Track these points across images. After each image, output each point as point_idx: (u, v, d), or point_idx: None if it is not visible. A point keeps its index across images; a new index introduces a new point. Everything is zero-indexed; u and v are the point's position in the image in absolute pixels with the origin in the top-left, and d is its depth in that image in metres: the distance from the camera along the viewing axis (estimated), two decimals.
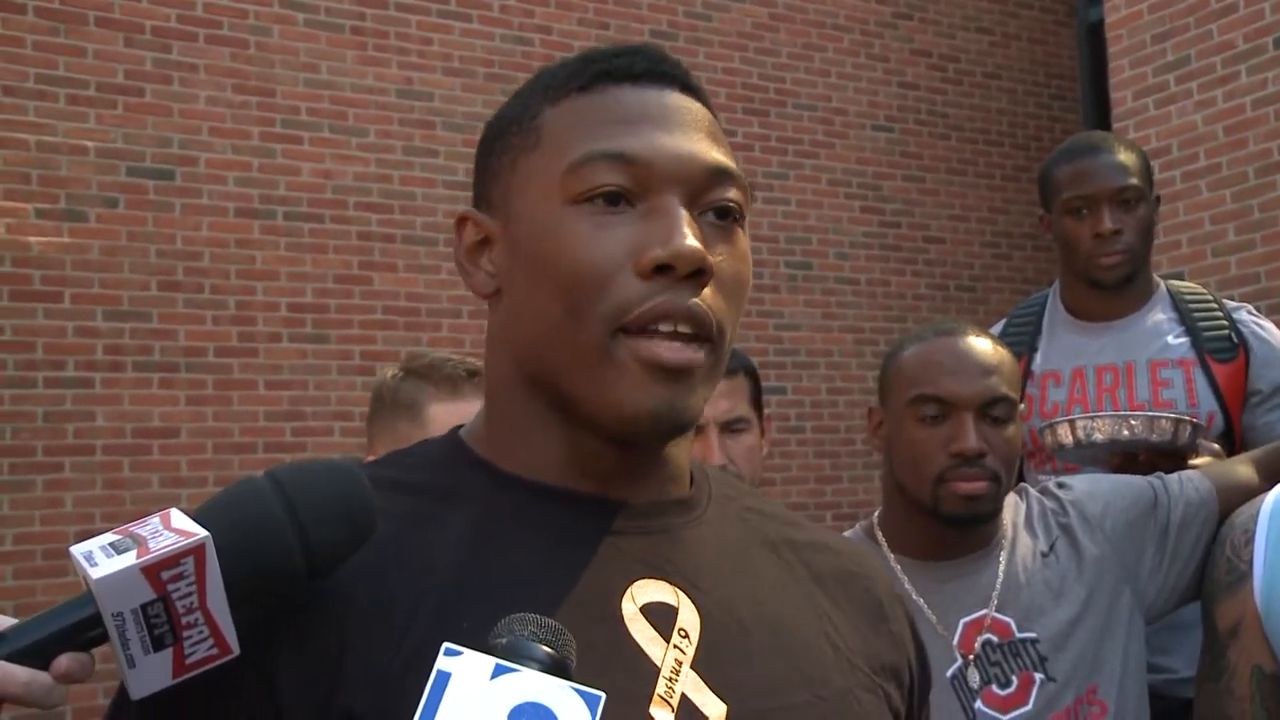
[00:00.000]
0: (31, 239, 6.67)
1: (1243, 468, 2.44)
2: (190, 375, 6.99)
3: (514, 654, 0.92)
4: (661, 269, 1.07)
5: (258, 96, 7.32)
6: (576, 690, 0.91)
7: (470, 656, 0.91)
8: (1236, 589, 2.13)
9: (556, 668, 0.92)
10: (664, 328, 1.08)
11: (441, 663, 0.90)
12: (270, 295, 7.24)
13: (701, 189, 1.12)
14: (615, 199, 1.10)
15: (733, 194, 1.14)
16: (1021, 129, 9.95)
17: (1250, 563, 2.11)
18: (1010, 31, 10.02)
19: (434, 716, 0.88)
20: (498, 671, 0.90)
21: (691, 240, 1.08)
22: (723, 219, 1.13)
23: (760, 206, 8.75)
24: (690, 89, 1.19)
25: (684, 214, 1.10)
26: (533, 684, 0.90)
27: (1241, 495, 2.29)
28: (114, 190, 6.89)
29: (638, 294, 1.08)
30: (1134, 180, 3.00)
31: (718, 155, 1.14)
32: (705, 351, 1.10)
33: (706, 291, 1.09)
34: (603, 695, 0.91)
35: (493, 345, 1.20)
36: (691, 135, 1.14)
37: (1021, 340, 3.15)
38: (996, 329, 3.24)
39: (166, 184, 7.02)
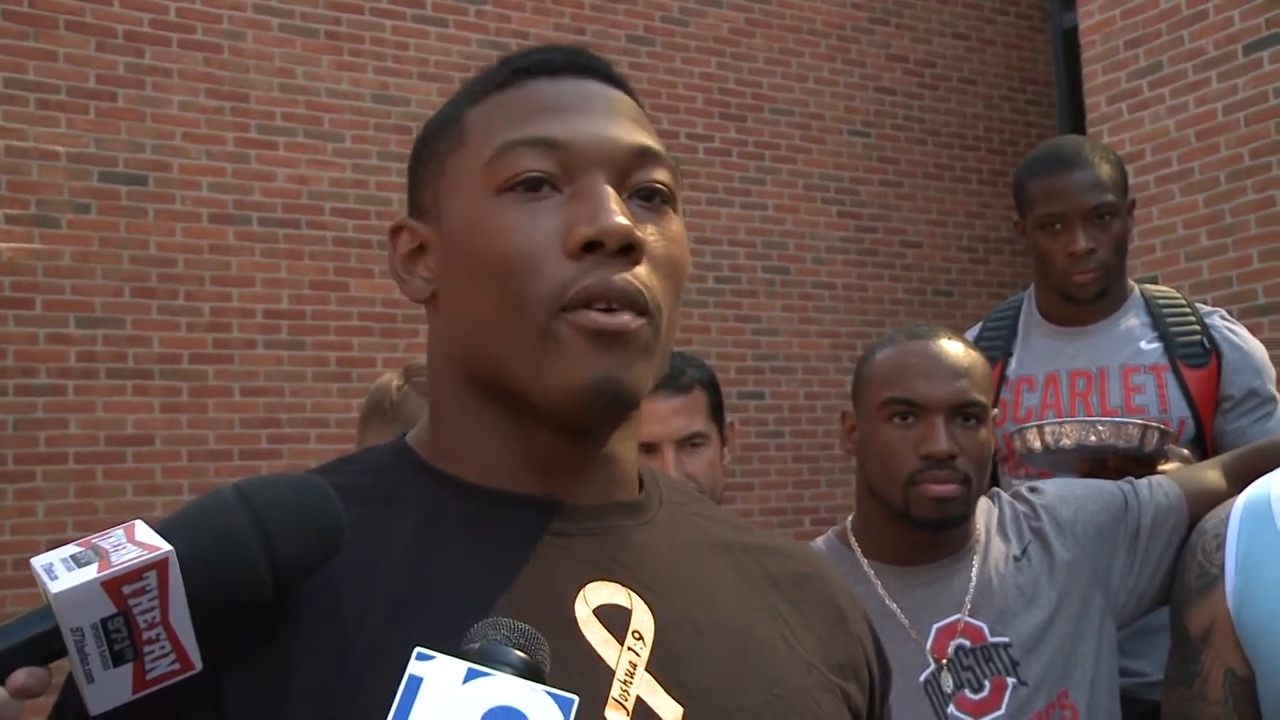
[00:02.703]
0: (2, 245, 6.66)
1: (1212, 473, 2.45)
2: (164, 382, 6.99)
3: (487, 658, 0.92)
4: (590, 247, 1.07)
5: (232, 101, 7.32)
6: (550, 694, 0.91)
7: (442, 661, 0.90)
8: (1208, 593, 2.15)
9: (530, 672, 0.92)
10: (599, 306, 1.07)
11: (413, 667, 0.90)
12: (245, 301, 7.24)
13: (627, 170, 1.12)
14: (538, 184, 1.10)
15: (660, 175, 1.14)
16: (998, 133, 10.00)
17: (1222, 567, 2.14)
18: (986, 37, 10.07)
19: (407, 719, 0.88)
20: (470, 676, 0.90)
21: (619, 217, 1.08)
22: (650, 200, 1.13)
23: (737, 211, 8.82)
24: (611, 79, 1.19)
25: (610, 192, 1.09)
26: (506, 688, 0.90)
27: (1211, 500, 2.31)
28: (86, 196, 6.89)
29: (570, 274, 1.07)
30: (1108, 196, 3.00)
31: (641, 137, 1.14)
32: (643, 323, 1.09)
33: (640, 269, 1.09)
34: (576, 699, 0.91)
35: (433, 349, 1.20)
36: (613, 119, 1.14)
37: (997, 345, 3.16)
38: (972, 333, 3.25)
39: (139, 189, 7.02)
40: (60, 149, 6.86)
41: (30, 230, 6.74)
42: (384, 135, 7.66)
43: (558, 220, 1.09)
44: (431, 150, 1.18)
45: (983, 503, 2.36)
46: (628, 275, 1.08)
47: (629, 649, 1.08)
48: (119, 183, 6.97)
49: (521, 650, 0.93)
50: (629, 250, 1.08)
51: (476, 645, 0.93)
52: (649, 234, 1.11)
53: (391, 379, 2.56)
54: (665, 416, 2.36)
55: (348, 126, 7.61)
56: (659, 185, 1.14)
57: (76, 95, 6.93)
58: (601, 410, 1.10)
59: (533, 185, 1.10)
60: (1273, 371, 3.06)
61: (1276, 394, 3.03)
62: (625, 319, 1.08)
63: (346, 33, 7.70)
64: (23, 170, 6.74)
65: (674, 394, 2.38)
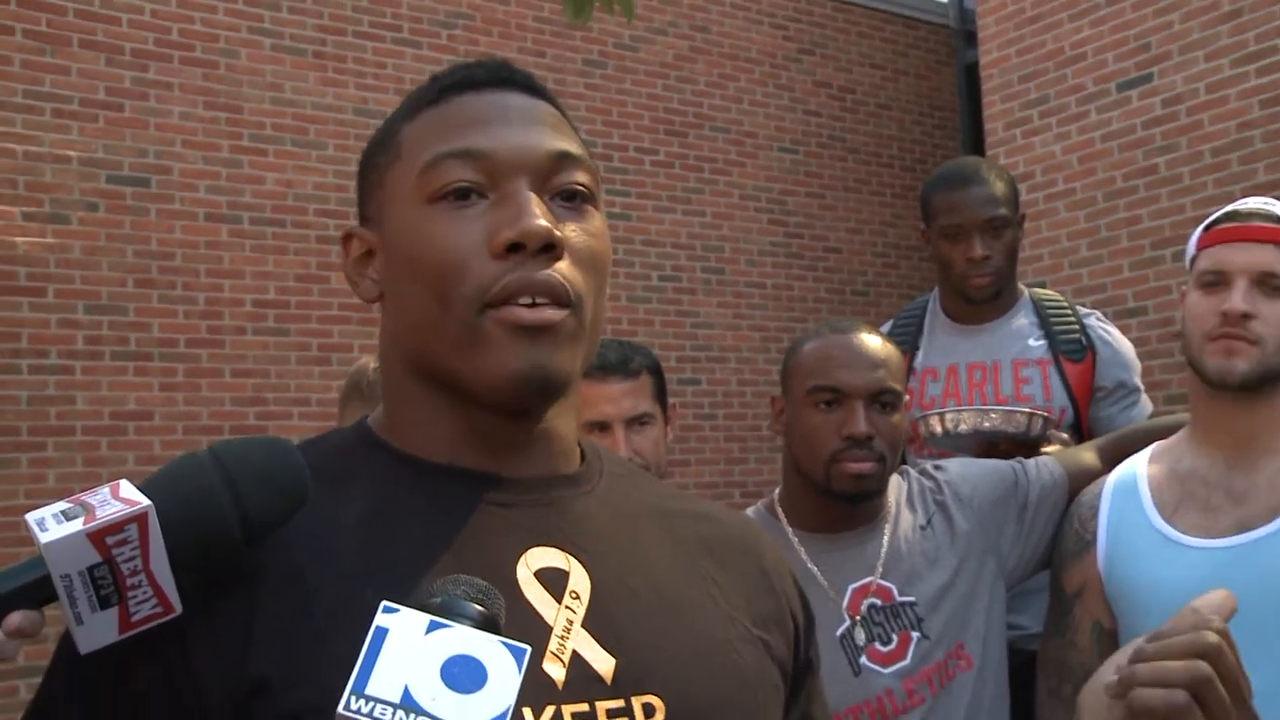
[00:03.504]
0: (18, 239, 6.61)
1: (1088, 454, 2.46)
2: (163, 364, 6.94)
3: (447, 611, 0.90)
4: (514, 248, 1.05)
5: (227, 113, 7.27)
6: (505, 644, 0.89)
7: (406, 613, 0.89)
8: (1083, 556, 2.21)
9: (487, 624, 0.91)
10: (523, 300, 1.05)
11: (380, 619, 0.88)
12: (236, 292, 7.19)
13: (547, 174, 1.10)
14: (465, 194, 1.08)
15: (579, 176, 1.11)
16: (909, 153, 9.98)
17: (1095, 535, 2.20)
18: (900, 68, 10.06)
19: (372, 668, 0.85)
20: (432, 627, 0.88)
21: (539, 219, 1.05)
22: (572, 200, 1.11)
23: (679, 217, 8.76)
24: (533, 89, 1.16)
25: (531, 196, 1.07)
26: (464, 638, 0.88)
27: (1087, 478, 2.34)
28: (94, 196, 6.83)
29: (494, 274, 1.05)
30: (1002, 210, 3.01)
31: (559, 142, 1.11)
32: (565, 314, 1.07)
33: (562, 264, 1.07)
34: (528, 649, 0.90)
35: (383, 342, 1.17)
36: (533, 127, 1.11)
37: (906, 339, 3.14)
38: (885, 329, 3.20)
39: (143, 190, 6.97)
40: (72, 153, 6.80)
41: (44, 226, 6.69)
42: (363, 145, 7.50)
43: (484, 225, 1.07)
44: (373, 164, 1.16)
45: (894, 478, 2.35)
46: (549, 271, 1.06)
47: (566, 607, 1.06)
48: (124, 184, 6.92)
49: (479, 604, 0.92)
50: (550, 249, 1.06)
51: (438, 599, 0.91)
52: (570, 232, 1.09)
53: (368, 362, 2.52)
54: (616, 398, 2.33)
55: (331, 136, 7.57)
56: (579, 186, 1.11)
57: (88, 105, 6.87)
58: (532, 395, 1.08)
59: (460, 194, 1.08)
60: (1139, 366, 3.08)
61: (1141, 386, 3.05)
62: (548, 314, 1.06)
63: (331, 52, 7.66)
64: (38, 172, 6.68)
65: (624, 378, 2.35)
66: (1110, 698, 1.03)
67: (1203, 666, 0.98)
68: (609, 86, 8.62)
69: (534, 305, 1.06)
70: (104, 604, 0.90)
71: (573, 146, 1.12)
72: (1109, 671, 1.04)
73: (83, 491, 0.93)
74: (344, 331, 7.45)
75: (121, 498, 0.90)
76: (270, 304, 7.31)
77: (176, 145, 7.11)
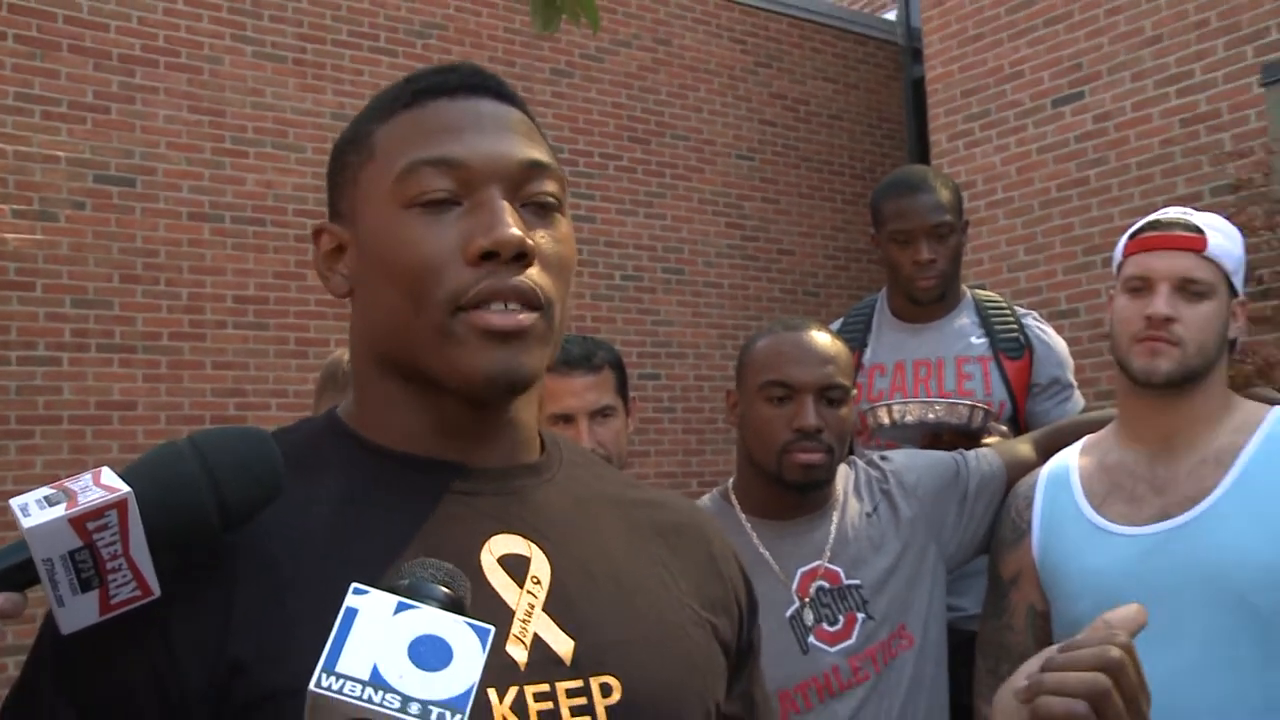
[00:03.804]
0: (8, 236, 6.56)
1: (1024, 446, 2.46)
2: (146, 356, 6.91)
3: (414, 593, 0.89)
4: (487, 255, 1.04)
5: (210, 116, 7.24)
6: (469, 624, 0.89)
7: (375, 595, 0.88)
8: (1018, 544, 2.22)
9: (453, 605, 0.90)
10: (495, 306, 1.04)
11: (350, 600, 0.87)
12: (217, 288, 7.16)
13: (519, 182, 1.08)
14: (441, 200, 1.06)
15: (548, 185, 1.10)
16: (859, 162, 9.99)
17: (1030, 523, 2.21)
18: (851, 82, 10.07)
19: (343, 647, 0.85)
20: (400, 608, 0.87)
21: (513, 229, 1.04)
22: (541, 208, 1.09)
23: (641, 220, 8.75)
24: (504, 96, 1.13)
25: (505, 205, 1.06)
26: (431, 619, 0.88)
27: (1024, 469, 2.34)
28: (82, 195, 6.80)
29: (469, 279, 1.04)
30: (947, 217, 3.01)
31: (530, 152, 1.09)
32: (536, 317, 1.06)
33: (532, 270, 1.06)
34: (492, 629, 0.89)
35: (353, 335, 1.15)
36: (505, 136, 1.09)
37: (855, 337, 3.13)
38: (835, 326, 3.19)
39: (128, 190, 6.94)
40: (60, 154, 6.76)
41: (33, 224, 6.65)
42: None
43: (459, 232, 1.05)
44: (345, 162, 1.13)
45: (842, 468, 2.36)
46: (521, 278, 1.05)
47: (528, 592, 1.05)
48: (111, 184, 6.89)
49: (445, 586, 0.91)
50: (522, 257, 1.05)
51: (406, 582, 0.90)
52: (540, 238, 1.07)
53: (343, 354, 2.47)
54: (580, 391, 2.31)
55: (309, 140, 7.53)
56: (548, 195, 1.10)
57: (76, 108, 6.84)
58: (501, 393, 1.07)
59: (436, 201, 1.06)
60: (1072, 364, 3.08)
61: (1074, 382, 3.05)
62: (520, 318, 1.04)
63: (310, 60, 7.63)
64: (28, 172, 6.64)
65: (588, 373, 2.33)
66: (1019, 702, 1.05)
67: (1103, 680, 0.99)
68: (575, 95, 8.60)
69: (505, 310, 1.04)
70: (85, 587, 0.89)
71: (543, 155, 1.11)
72: (1021, 677, 1.05)
73: (66, 478, 0.92)
74: (320, 326, 7.42)
75: (102, 484, 0.89)
76: (250, 299, 7.28)
77: (161, 147, 7.08)
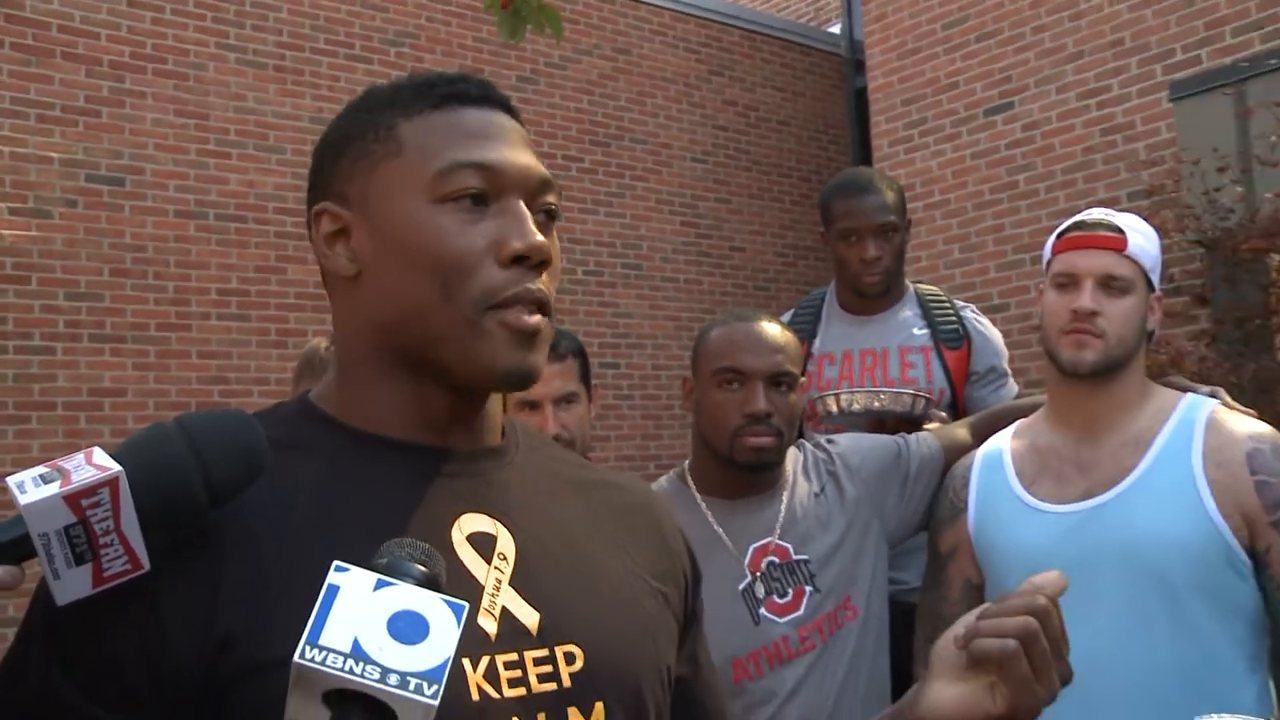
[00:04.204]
0: (4, 232, 6.51)
1: (961, 431, 2.48)
2: (135, 346, 6.86)
3: (393, 571, 0.89)
4: (518, 260, 1.05)
5: (195, 119, 7.19)
6: (445, 601, 0.88)
7: (356, 572, 0.87)
8: (955, 521, 2.25)
9: (428, 582, 0.89)
10: (519, 308, 1.05)
11: (332, 577, 0.87)
12: (202, 281, 7.11)
13: (535, 194, 1.08)
14: (478, 199, 1.06)
15: (553, 199, 1.11)
16: (806, 165, 10.00)
17: (966, 502, 2.24)
18: (798, 90, 10.08)
19: (325, 621, 0.84)
20: (379, 585, 0.87)
21: (540, 236, 1.05)
22: (548, 219, 1.10)
23: (601, 219, 8.74)
24: (512, 112, 1.14)
25: (529, 214, 1.07)
26: (408, 595, 0.87)
27: (961, 451, 2.36)
28: (74, 193, 6.75)
29: (501, 280, 1.04)
30: (892, 217, 3.01)
31: (542, 168, 1.11)
32: (545, 320, 1.07)
33: (544, 277, 1.07)
34: (466, 605, 0.88)
35: (348, 319, 1.12)
36: (523, 150, 1.10)
37: (805, 328, 3.11)
38: (786, 318, 3.19)
39: (118, 189, 6.88)
40: (54, 155, 6.71)
41: (29, 220, 6.59)
42: None
43: (491, 232, 1.05)
44: (361, 149, 1.09)
45: (791, 451, 2.35)
46: (539, 284, 1.06)
47: (495, 568, 1.05)
48: (101, 183, 6.84)
49: (422, 565, 0.90)
50: (543, 264, 1.06)
51: (384, 560, 0.90)
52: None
53: (320, 341, 2.44)
54: (546, 379, 2.27)
55: (288, 142, 7.49)
56: (554, 208, 1.11)
57: (69, 112, 6.79)
58: (511, 387, 1.08)
59: (476, 200, 1.05)
60: (1007, 354, 3.07)
61: (1009, 371, 3.05)
62: (538, 320, 1.06)
63: (290, 67, 7.59)
64: (23, 171, 6.59)
65: (553, 361, 2.30)
66: (958, 649, 1.09)
67: (1032, 623, 1.04)
68: (540, 100, 8.58)
69: (528, 313, 1.05)
70: (78, 560, 0.88)
71: (547, 173, 1.11)
72: (959, 628, 1.10)
73: (60, 458, 0.91)
74: (299, 318, 7.38)
75: (95, 464, 0.88)
76: (233, 292, 7.24)
77: (149, 148, 7.03)
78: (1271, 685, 2.06)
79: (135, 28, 7.08)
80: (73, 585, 0.89)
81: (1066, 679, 1.08)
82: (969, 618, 1.10)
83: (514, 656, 1.02)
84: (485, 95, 1.11)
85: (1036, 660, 1.05)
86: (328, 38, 7.77)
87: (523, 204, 1.07)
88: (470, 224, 1.05)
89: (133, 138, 6.98)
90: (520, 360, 1.05)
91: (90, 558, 0.88)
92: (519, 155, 1.09)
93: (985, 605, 1.10)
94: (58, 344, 6.64)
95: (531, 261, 1.05)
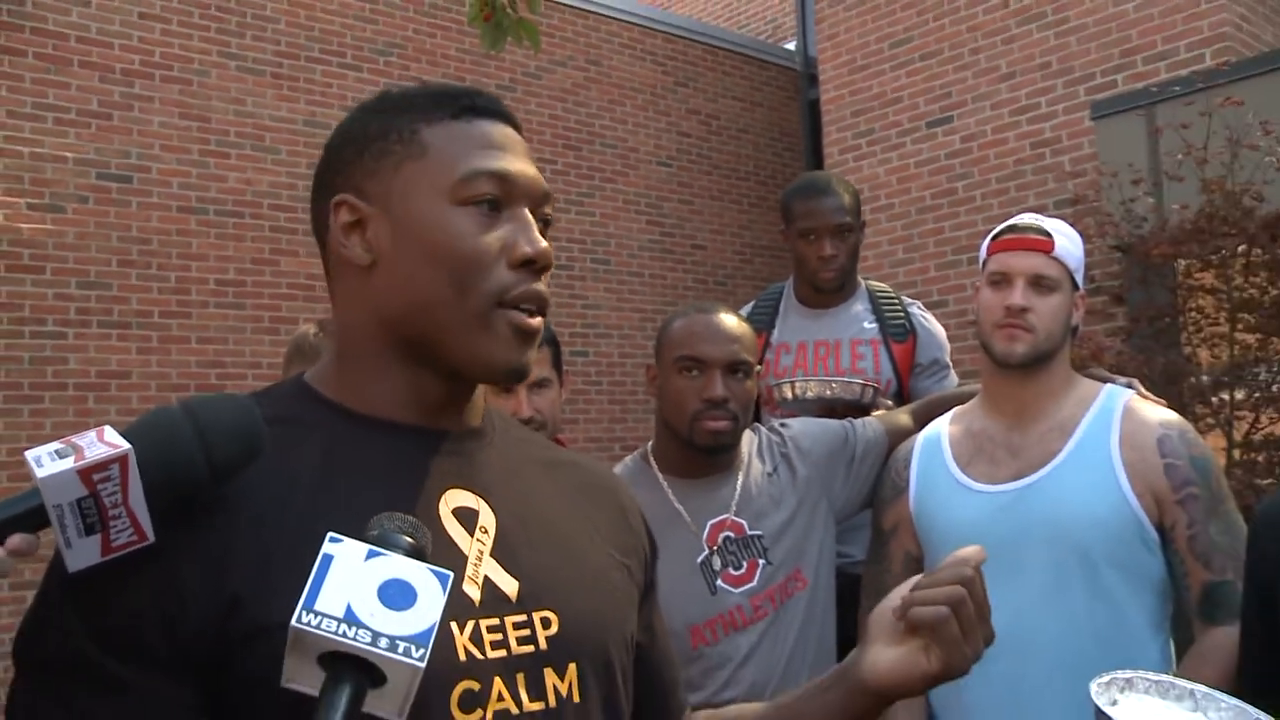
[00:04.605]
0: (22, 225, 6.46)
1: (903, 416, 2.48)
2: (140, 331, 6.81)
3: (383, 542, 0.89)
4: (526, 263, 1.06)
5: (198, 122, 7.13)
6: (431, 570, 0.88)
7: (349, 544, 0.87)
8: (897, 499, 2.26)
9: (416, 553, 0.89)
10: (525, 307, 1.06)
11: (326, 548, 0.87)
12: (202, 272, 7.06)
13: (538, 203, 1.10)
14: (493, 205, 1.06)
15: (550, 209, 1.12)
16: (763, 169, 9.99)
17: (907, 481, 2.25)
18: (756, 101, 10.06)
19: (320, 588, 0.84)
20: (370, 555, 0.87)
21: (546, 245, 1.07)
22: (546, 227, 1.11)
23: (573, 217, 8.70)
24: (516, 125, 1.14)
25: (534, 222, 1.08)
26: (397, 565, 0.87)
27: (903, 435, 2.37)
28: (86, 190, 6.69)
29: (511, 280, 1.05)
30: (848, 218, 3.00)
31: (544, 181, 1.12)
32: (543, 320, 1.09)
33: (543, 280, 1.08)
34: (451, 574, 0.89)
35: (354, 306, 1.10)
36: (530, 162, 1.11)
37: (764, 318, 3.11)
38: (747, 309, 3.19)
39: (126, 186, 6.83)
40: (69, 154, 6.65)
41: (44, 215, 6.54)
42: (311, 151, 7.42)
43: (503, 236, 1.06)
44: (384, 148, 1.08)
45: (747, 433, 2.34)
46: (540, 286, 1.07)
47: (477, 540, 1.05)
48: (111, 180, 6.78)
49: (409, 537, 0.90)
50: (547, 268, 1.08)
51: (375, 533, 0.90)
52: None
53: (310, 328, 2.41)
54: None
55: (284, 143, 7.44)
56: (550, 217, 1.12)
57: (83, 115, 6.73)
58: (510, 381, 1.09)
59: (491, 205, 1.06)
60: (949, 348, 3.07)
61: (950, 364, 3.05)
62: (538, 321, 1.08)
63: (286, 74, 7.53)
64: (40, 170, 6.53)
65: None
66: (896, 619, 1.11)
67: (959, 590, 1.07)
68: (518, 107, 8.51)
69: (532, 314, 1.07)
70: (89, 531, 0.88)
71: (547, 185, 1.12)
72: (894, 599, 1.12)
73: (72, 435, 0.91)
74: (291, 307, 7.33)
75: (106, 441, 0.88)
76: (230, 283, 7.18)
77: (155, 149, 6.97)
78: (1171, 645, 2.09)
79: (145, 38, 7.01)
80: (83, 553, 0.89)
81: (989, 639, 1.10)
82: (903, 588, 1.12)
83: (496, 621, 1.02)
84: (496, 110, 1.12)
85: (964, 624, 1.07)
86: (322, 47, 7.71)
87: (529, 212, 1.08)
88: (486, 227, 1.06)
89: (140, 139, 6.92)
90: (519, 357, 1.07)
91: (100, 529, 0.88)
92: (528, 167, 1.10)
93: (918, 576, 1.13)
94: (69, 329, 6.58)
95: (537, 266, 1.06)
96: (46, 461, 0.86)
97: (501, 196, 1.07)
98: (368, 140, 1.10)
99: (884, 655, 1.11)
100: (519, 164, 1.09)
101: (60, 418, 6.43)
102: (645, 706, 1.22)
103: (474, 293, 1.05)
